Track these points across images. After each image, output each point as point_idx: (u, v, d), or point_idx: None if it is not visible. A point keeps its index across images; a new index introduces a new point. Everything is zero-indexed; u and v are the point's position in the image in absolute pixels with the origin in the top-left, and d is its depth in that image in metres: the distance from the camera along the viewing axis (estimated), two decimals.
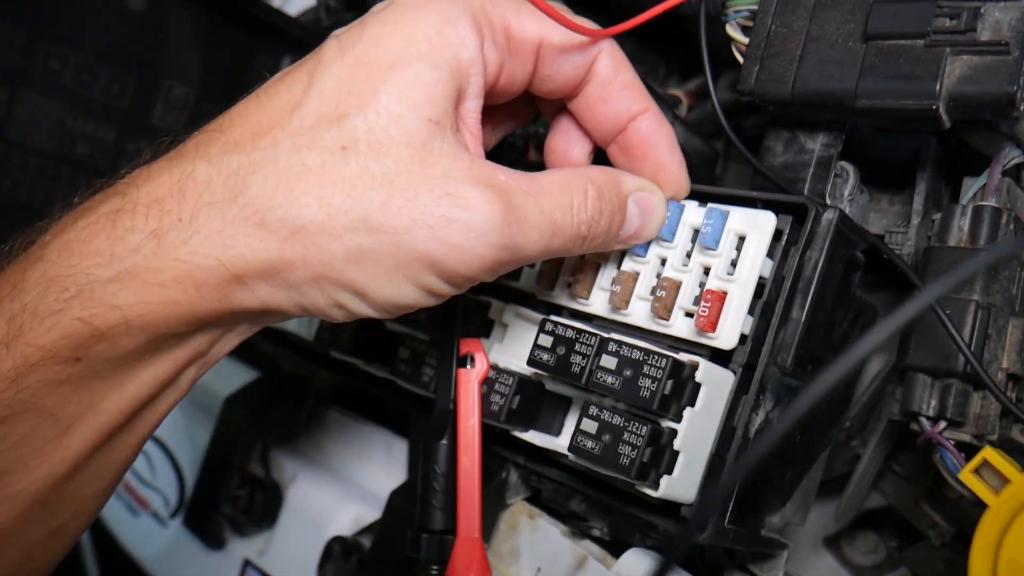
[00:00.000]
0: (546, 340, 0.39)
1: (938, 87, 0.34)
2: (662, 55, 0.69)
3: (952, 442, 0.37)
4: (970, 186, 0.39)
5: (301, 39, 0.65)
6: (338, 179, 0.30)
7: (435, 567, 0.41)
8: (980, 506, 0.35)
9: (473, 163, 0.32)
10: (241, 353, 0.54)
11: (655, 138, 0.38)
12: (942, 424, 0.38)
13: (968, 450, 0.37)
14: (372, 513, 0.52)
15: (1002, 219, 0.38)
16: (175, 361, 0.33)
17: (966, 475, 0.36)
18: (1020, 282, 0.39)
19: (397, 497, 0.49)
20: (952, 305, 0.37)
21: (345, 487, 0.56)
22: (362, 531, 0.52)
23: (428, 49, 0.32)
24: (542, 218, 0.33)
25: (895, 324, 0.26)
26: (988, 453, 0.35)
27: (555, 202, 0.34)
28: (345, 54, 0.32)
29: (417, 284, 0.32)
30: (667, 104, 0.50)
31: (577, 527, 0.44)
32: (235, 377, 0.63)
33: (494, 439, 0.44)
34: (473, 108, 0.34)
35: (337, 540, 0.50)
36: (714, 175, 0.55)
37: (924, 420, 0.38)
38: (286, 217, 0.30)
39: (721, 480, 0.37)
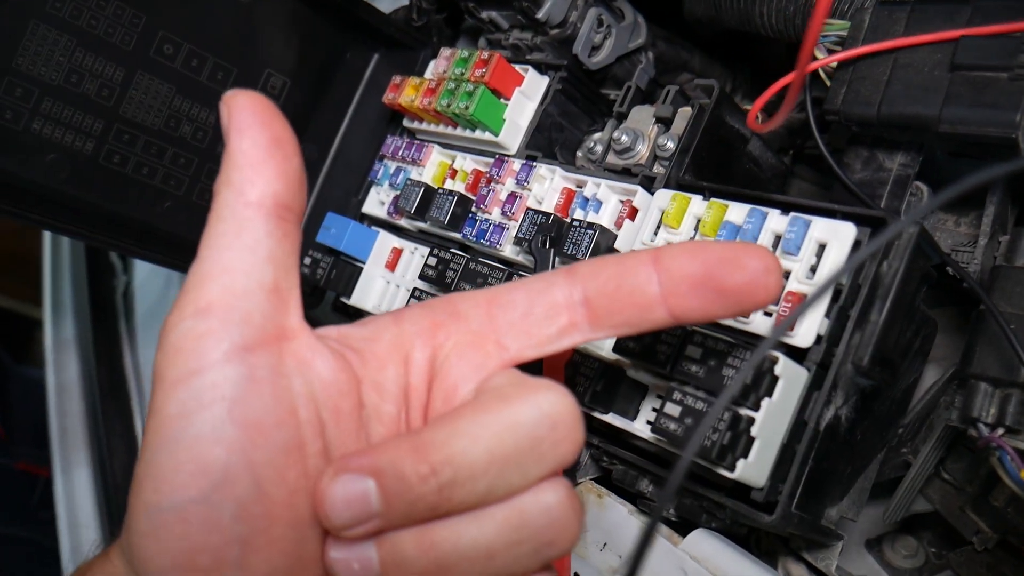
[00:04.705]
0: None
1: (1019, 117, 0.37)
2: (729, 70, 0.73)
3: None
4: None
5: (392, 37, 0.68)
6: None
7: None
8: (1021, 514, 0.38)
9: None
10: None
11: None
12: (1000, 431, 0.40)
13: (1023, 457, 0.40)
14: None
15: None
16: None
17: None
18: None
19: None
20: (1016, 320, 0.40)
21: None
22: None
23: None
24: None
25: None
26: None
27: None
28: None
29: None
30: (744, 120, 0.53)
31: (646, 507, 0.47)
32: None
33: None
34: None
35: None
36: (784, 187, 0.58)
37: (982, 426, 0.41)
38: None
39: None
